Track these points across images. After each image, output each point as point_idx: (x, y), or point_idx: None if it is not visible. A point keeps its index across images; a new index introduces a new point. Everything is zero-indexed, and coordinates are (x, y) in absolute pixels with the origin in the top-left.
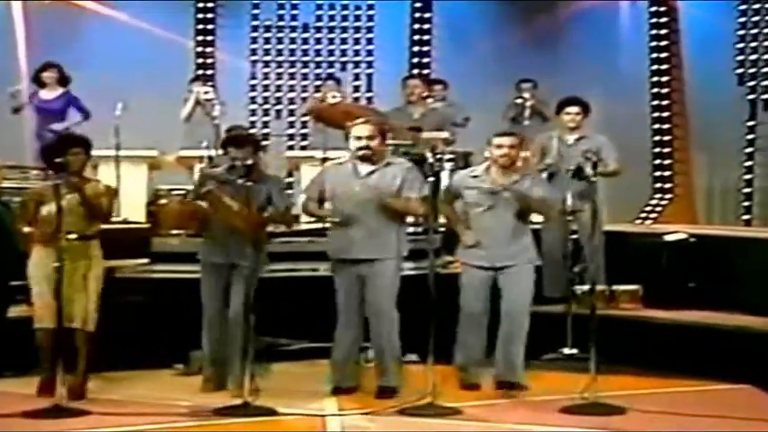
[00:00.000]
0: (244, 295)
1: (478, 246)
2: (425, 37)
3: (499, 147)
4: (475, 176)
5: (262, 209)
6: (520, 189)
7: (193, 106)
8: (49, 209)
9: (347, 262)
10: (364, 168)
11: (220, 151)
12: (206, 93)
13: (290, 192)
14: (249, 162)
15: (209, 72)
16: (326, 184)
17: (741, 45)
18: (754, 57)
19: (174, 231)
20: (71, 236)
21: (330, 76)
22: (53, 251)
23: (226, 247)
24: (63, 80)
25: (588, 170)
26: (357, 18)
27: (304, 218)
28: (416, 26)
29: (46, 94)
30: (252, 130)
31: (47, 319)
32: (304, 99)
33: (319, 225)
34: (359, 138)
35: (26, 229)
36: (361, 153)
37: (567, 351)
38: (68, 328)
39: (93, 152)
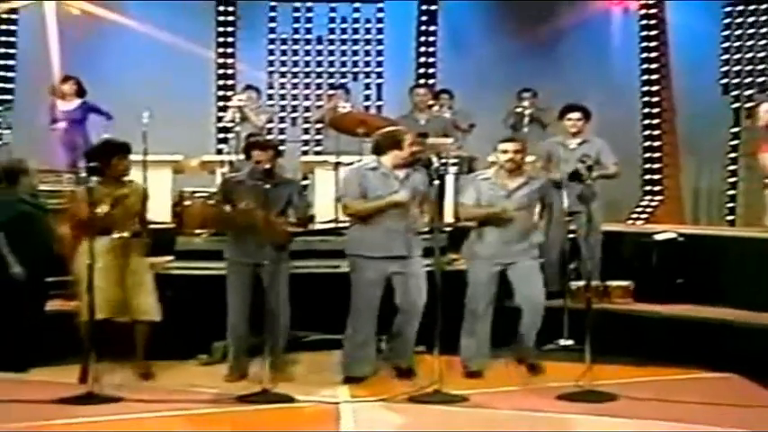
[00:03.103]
0: (278, 291)
1: (506, 214)
2: (431, 49)
3: (504, 152)
4: (485, 179)
5: (283, 210)
6: (537, 194)
7: (233, 113)
8: (98, 210)
9: (376, 259)
10: (401, 173)
11: (242, 156)
12: (239, 100)
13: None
14: (269, 166)
15: (229, 82)
16: (367, 186)
17: (726, 57)
18: (737, 68)
19: (197, 231)
20: (119, 234)
21: (340, 86)
22: (103, 249)
23: (251, 246)
24: (81, 91)
25: (584, 173)
26: (367, 31)
27: (319, 218)
28: (422, 38)
29: (65, 105)
30: (269, 136)
31: (104, 310)
32: (318, 107)
33: (333, 225)
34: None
35: (65, 229)
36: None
37: (563, 342)
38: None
39: None
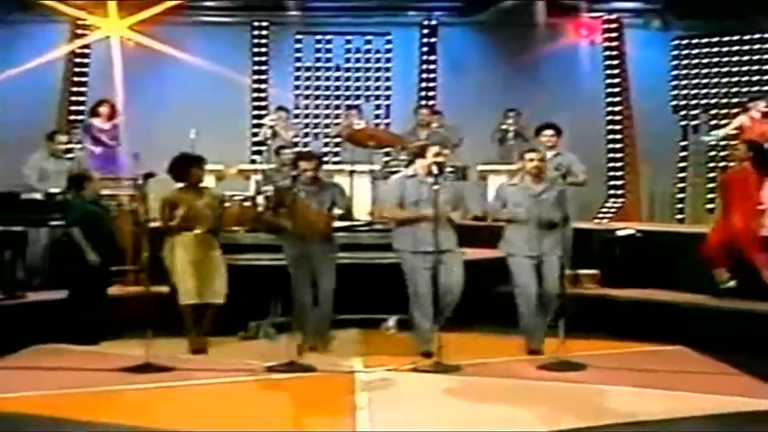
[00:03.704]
0: (333, 280)
1: (528, 235)
2: (431, 75)
3: (531, 160)
4: (513, 185)
5: (329, 209)
6: (554, 194)
7: (266, 129)
8: (181, 211)
9: (418, 253)
10: (432, 180)
11: (272, 165)
12: (271, 119)
13: None
14: (313, 173)
15: (262, 103)
16: (405, 193)
17: (675, 83)
18: (684, 92)
19: (234, 228)
20: (198, 230)
21: (354, 106)
22: (187, 243)
23: (304, 242)
24: (113, 113)
25: (559, 180)
26: (377, 60)
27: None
28: (424, 66)
29: (101, 123)
30: (295, 149)
31: (192, 295)
32: (336, 124)
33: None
34: (437, 155)
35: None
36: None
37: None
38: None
39: None
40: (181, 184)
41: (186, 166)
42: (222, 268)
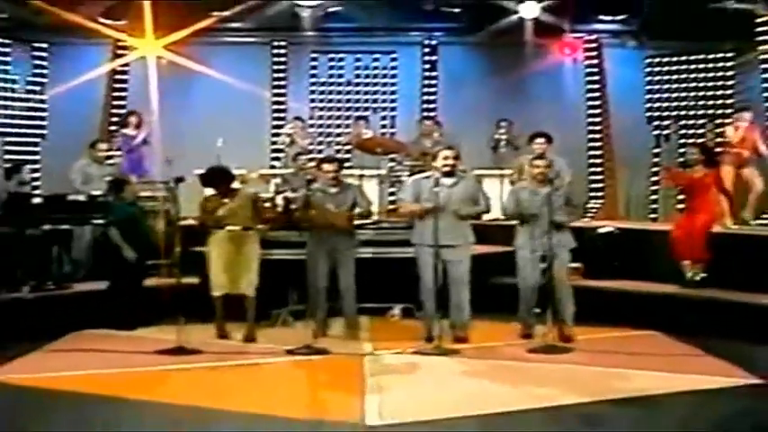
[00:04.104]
0: (351, 272)
1: (535, 232)
2: (432, 89)
3: (537, 167)
4: (523, 188)
5: (350, 209)
6: (560, 196)
7: (284, 137)
8: (218, 212)
9: (430, 246)
10: (449, 181)
11: (290, 170)
12: (289, 128)
13: None
14: (335, 176)
15: (282, 115)
16: (419, 191)
17: (649, 96)
18: (657, 105)
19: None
20: (233, 228)
21: (363, 117)
22: (220, 239)
23: (326, 239)
24: (140, 123)
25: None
26: (384, 75)
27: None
28: (426, 81)
29: (130, 132)
30: (311, 155)
31: (220, 287)
32: (347, 133)
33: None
34: (446, 159)
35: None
36: (446, 170)
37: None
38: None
39: (197, 171)
40: (214, 191)
41: (223, 177)
42: (253, 263)
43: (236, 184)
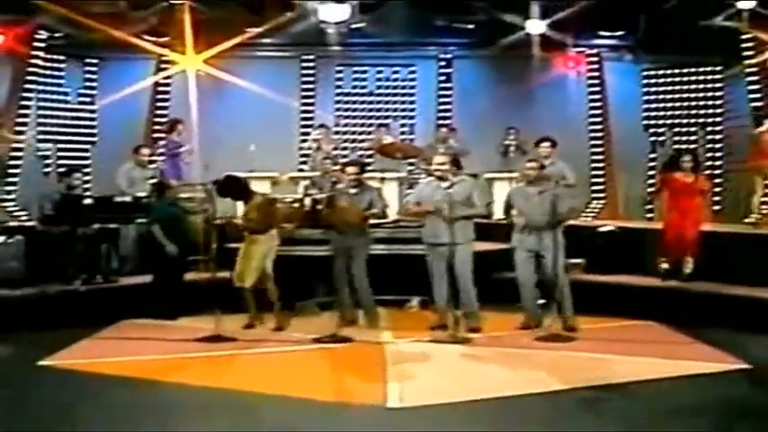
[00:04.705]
0: (361, 267)
1: (526, 231)
2: (448, 98)
3: (532, 168)
4: (519, 188)
5: (367, 209)
6: (553, 194)
7: (311, 143)
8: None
9: (435, 244)
10: (446, 183)
11: (317, 173)
12: (317, 134)
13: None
14: (357, 177)
15: (310, 123)
16: (422, 194)
17: (645, 106)
18: (653, 113)
19: (284, 225)
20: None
21: (384, 125)
22: (244, 239)
23: (344, 236)
24: (184, 130)
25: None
26: (403, 87)
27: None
28: (441, 91)
29: (175, 138)
30: (336, 160)
31: (248, 280)
32: (369, 139)
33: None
34: (440, 163)
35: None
36: (438, 174)
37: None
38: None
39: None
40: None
41: (227, 189)
42: (255, 261)
43: (262, 187)
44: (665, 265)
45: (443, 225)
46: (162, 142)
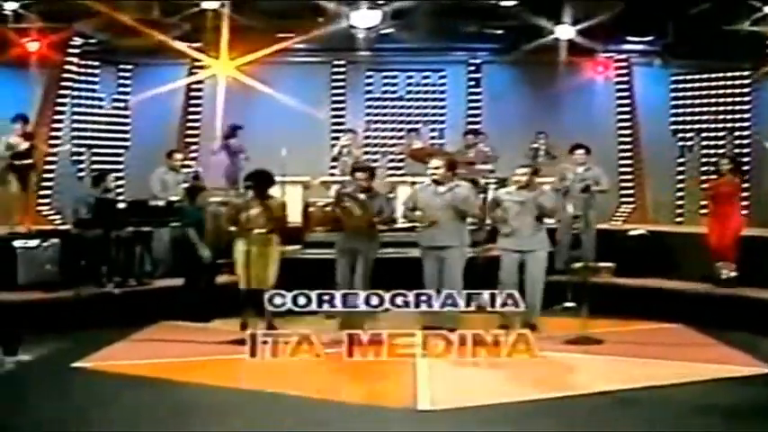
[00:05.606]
0: (365, 270)
1: (512, 235)
2: (477, 104)
3: (523, 174)
4: (508, 192)
5: (377, 214)
6: (537, 201)
7: (341, 148)
8: (246, 215)
9: (428, 248)
10: (442, 188)
11: (348, 177)
12: (347, 139)
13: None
14: (366, 183)
15: (341, 128)
16: (418, 200)
17: (674, 111)
18: (682, 119)
19: (317, 228)
20: (257, 231)
21: (414, 129)
22: (247, 240)
23: (352, 238)
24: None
25: (590, 188)
26: (433, 92)
27: (400, 220)
28: (471, 96)
29: (235, 143)
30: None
31: (244, 282)
32: (400, 144)
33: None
34: (436, 168)
35: (231, 228)
36: (435, 178)
37: (567, 304)
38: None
39: None
40: (251, 193)
41: (255, 180)
42: (272, 262)
43: (295, 191)
44: (724, 271)
45: (435, 228)
46: (217, 144)
